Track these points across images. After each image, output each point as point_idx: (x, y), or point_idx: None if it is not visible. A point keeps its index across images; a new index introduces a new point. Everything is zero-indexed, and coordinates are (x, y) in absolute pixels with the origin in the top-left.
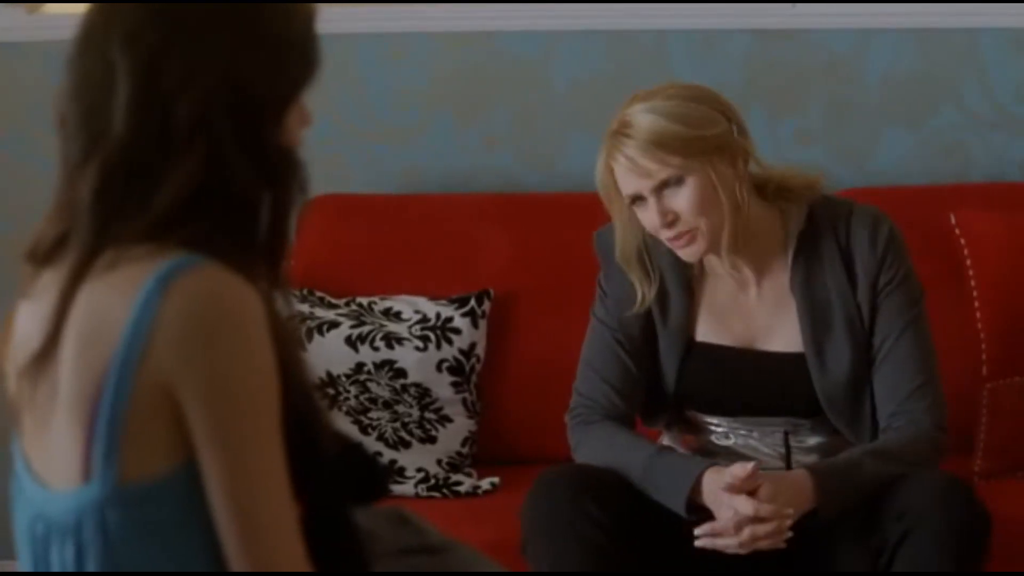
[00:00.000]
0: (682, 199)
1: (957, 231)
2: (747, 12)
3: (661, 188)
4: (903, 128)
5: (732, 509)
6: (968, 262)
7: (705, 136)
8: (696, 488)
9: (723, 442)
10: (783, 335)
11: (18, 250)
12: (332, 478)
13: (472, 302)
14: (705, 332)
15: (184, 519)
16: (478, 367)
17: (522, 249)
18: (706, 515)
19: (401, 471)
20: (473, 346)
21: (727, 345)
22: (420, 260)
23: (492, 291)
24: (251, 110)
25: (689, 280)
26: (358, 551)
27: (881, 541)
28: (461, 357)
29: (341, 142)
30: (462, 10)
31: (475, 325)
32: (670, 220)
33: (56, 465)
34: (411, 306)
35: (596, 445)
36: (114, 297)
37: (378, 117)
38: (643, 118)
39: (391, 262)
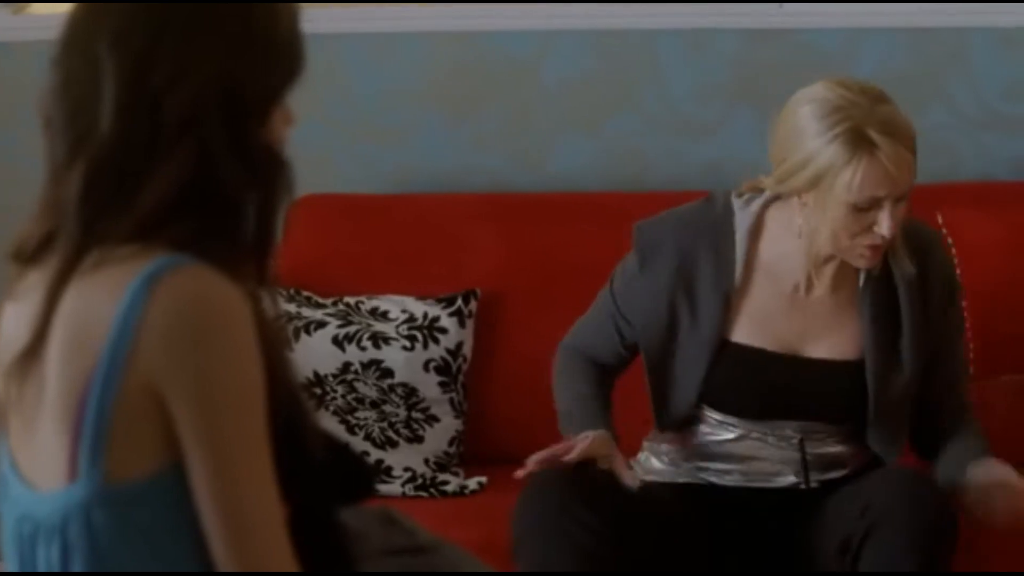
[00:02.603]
0: (901, 211)
1: (945, 231)
2: (737, 12)
3: (900, 199)
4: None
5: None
6: (955, 261)
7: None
8: None
9: (731, 446)
10: (835, 341)
11: (4, 250)
12: (319, 478)
13: (459, 302)
14: (742, 334)
15: (171, 519)
16: (465, 367)
17: (510, 249)
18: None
19: (388, 471)
20: (460, 346)
21: (765, 349)
22: (408, 260)
23: (479, 291)
24: (238, 110)
25: (728, 292)
26: (345, 551)
27: (846, 536)
28: (448, 357)
29: (330, 142)
30: (451, 10)
31: (462, 325)
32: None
33: (42, 465)
34: (398, 306)
35: (558, 367)
36: (101, 297)
37: (367, 117)
38: (902, 119)
39: (378, 262)
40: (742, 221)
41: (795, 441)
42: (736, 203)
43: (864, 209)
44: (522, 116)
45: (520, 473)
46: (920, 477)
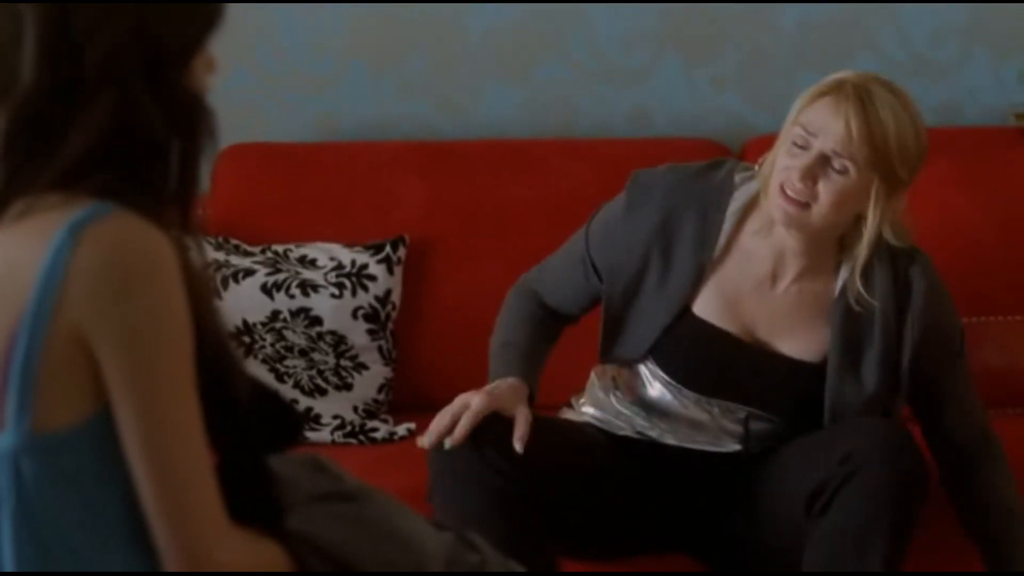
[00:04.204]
0: (832, 183)
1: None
2: None
3: (830, 158)
4: (819, 74)
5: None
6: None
7: (895, 168)
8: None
9: (673, 404)
10: (797, 342)
11: None
12: (246, 425)
13: (387, 249)
14: (706, 309)
15: (99, 468)
16: (394, 314)
17: (438, 197)
18: None
19: (317, 418)
20: (388, 293)
21: (726, 329)
22: (335, 208)
23: (407, 238)
24: (159, 58)
25: (704, 263)
26: (273, 498)
27: (822, 483)
28: (377, 304)
29: (256, 91)
30: None
31: (391, 272)
32: (808, 179)
33: None
34: (326, 253)
35: (504, 309)
36: (25, 247)
37: (293, 66)
38: (885, 105)
39: (306, 210)
40: (738, 197)
41: (740, 415)
42: (738, 178)
43: (799, 146)
44: (449, 63)
45: (423, 442)
46: (898, 429)
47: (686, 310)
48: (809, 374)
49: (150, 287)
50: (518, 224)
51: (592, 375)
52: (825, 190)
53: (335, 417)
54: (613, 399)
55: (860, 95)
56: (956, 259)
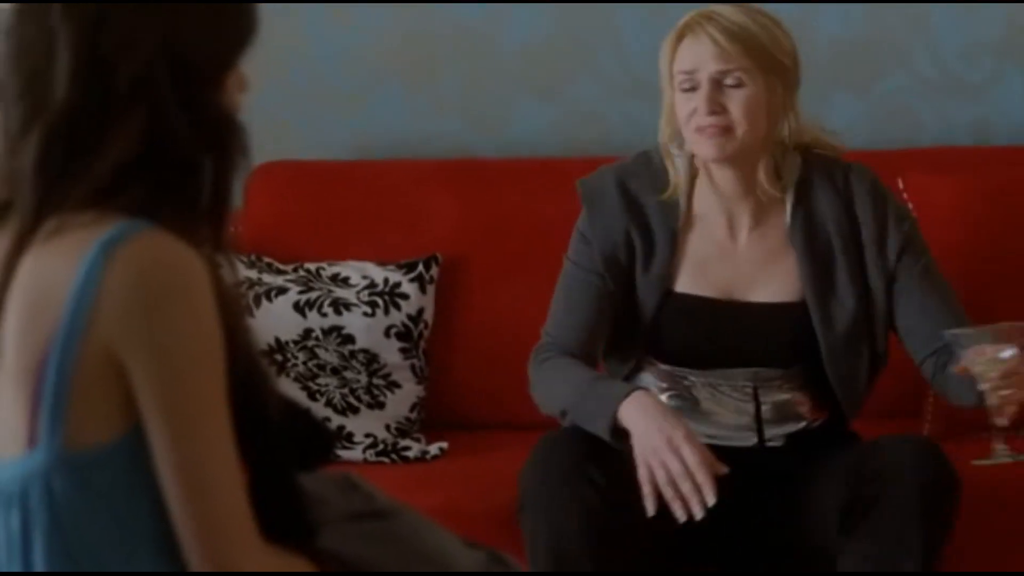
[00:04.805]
0: (737, 99)
1: (906, 196)
2: None
3: (720, 79)
4: (852, 93)
5: (676, 461)
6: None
7: (777, 57)
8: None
9: (683, 398)
10: (773, 285)
11: None
12: (278, 443)
13: (420, 267)
14: (685, 283)
15: (131, 485)
16: (426, 332)
17: (470, 215)
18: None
19: (349, 437)
20: (421, 311)
21: (707, 296)
22: (368, 226)
23: (440, 256)
24: (191, 74)
25: (675, 229)
26: (304, 515)
27: (853, 500)
28: (409, 323)
29: (289, 109)
30: None
31: (423, 290)
32: (716, 110)
33: (2, 433)
34: (359, 272)
35: (546, 378)
36: (58, 264)
37: (326, 83)
38: (734, 13)
39: (339, 228)
40: (681, 164)
41: (748, 390)
42: (674, 152)
43: (687, 90)
44: (481, 81)
45: (650, 508)
46: (928, 444)
47: (669, 292)
48: (794, 313)
49: (182, 304)
50: (550, 242)
51: None
52: (735, 107)
53: (367, 435)
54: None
55: (708, 17)
56: (988, 278)
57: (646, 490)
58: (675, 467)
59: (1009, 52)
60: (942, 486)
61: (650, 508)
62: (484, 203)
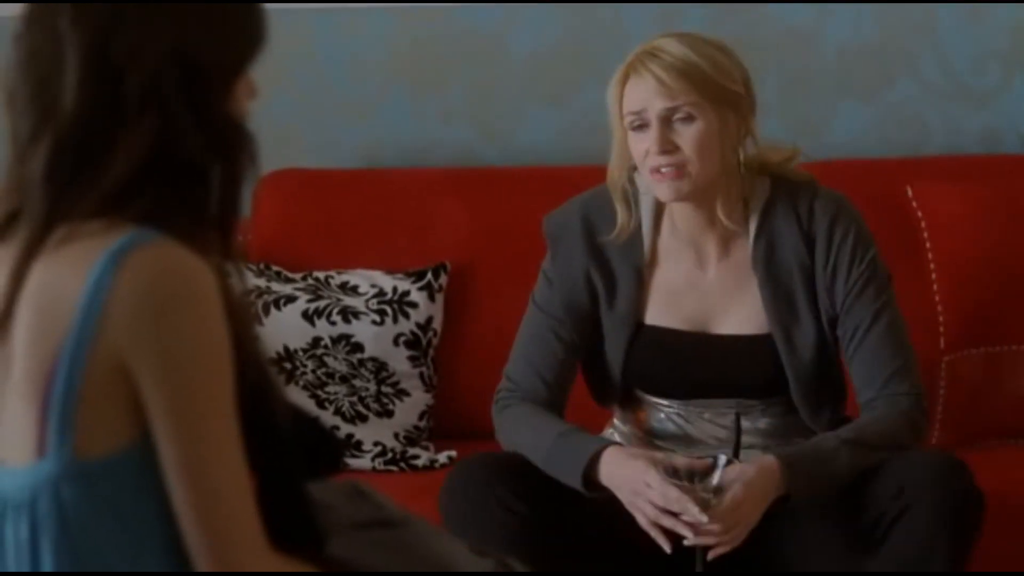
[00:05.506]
0: (688, 135)
1: (914, 203)
2: None
3: (670, 116)
4: (860, 100)
5: (648, 504)
6: (925, 235)
7: (726, 87)
8: (593, 465)
9: (670, 426)
10: (740, 316)
11: None
12: (287, 451)
13: (429, 276)
14: (655, 315)
15: (140, 494)
16: (435, 341)
17: (479, 223)
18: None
19: (358, 445)
20: (430, 320)
21: (677, 328)
22: (377, 234)
23: (449, 265)
24: (200, 83)
25: (639, 266)
26: (313, 524)
27: (876, 518)
28: (418, 331)
29: (297, 117)
30: None
31: (432, 299)
32: (667, 149)
33: (10, 441)
34: (368, 280)
35: (510, 428)
36: (67, 273)
37: (334, 91)
38: (676, 47)
39: (348, 236)
40: (645, 199)
41: (731, 416)
42: (639, 181)
43: (636, 128)
44: (489, 89)
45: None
46: (952, 460)
47: (640, 326)
48: (763, 346)
49: (191, 313)
50: None
51: (613, 420)
52: (686, 144)
53: (376, 444)
54: (634, 440)
55: (651, 54)
56: (997, 287)
57: (652, 534)
58: (649, 511)
59: (1018, 60)
60: (966, 500)
61: (665, 546)
62: (493, 211)
